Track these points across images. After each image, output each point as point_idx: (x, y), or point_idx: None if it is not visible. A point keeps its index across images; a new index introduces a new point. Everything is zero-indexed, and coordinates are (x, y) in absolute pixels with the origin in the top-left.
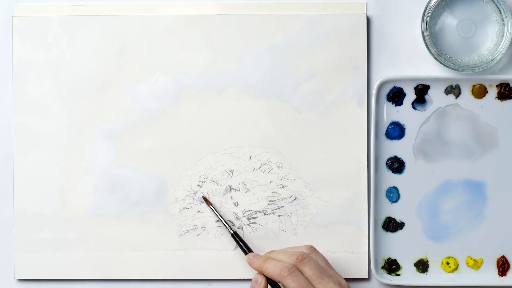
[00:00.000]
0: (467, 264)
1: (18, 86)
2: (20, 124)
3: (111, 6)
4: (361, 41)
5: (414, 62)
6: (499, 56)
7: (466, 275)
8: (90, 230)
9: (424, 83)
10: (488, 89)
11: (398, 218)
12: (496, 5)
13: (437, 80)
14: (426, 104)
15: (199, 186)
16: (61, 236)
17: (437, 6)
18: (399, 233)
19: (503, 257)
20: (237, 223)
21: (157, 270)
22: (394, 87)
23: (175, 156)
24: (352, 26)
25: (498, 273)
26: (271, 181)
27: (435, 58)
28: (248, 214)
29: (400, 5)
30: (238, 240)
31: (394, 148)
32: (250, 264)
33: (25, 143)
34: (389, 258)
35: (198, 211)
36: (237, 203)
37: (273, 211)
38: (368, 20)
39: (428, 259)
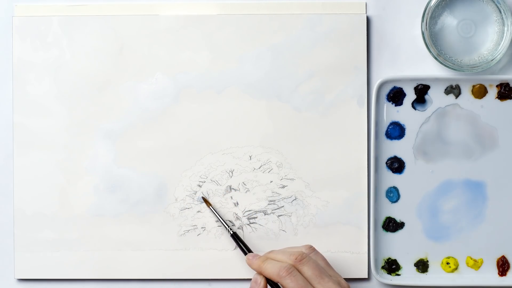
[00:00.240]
0: (467, 264)
1: (18, 86)
2: (20, 124)
3: (111, 6)
4: (361, 41)
5: (414, 62)
6: (499, 56)
7: (466, 275)
8: (90, 230)
9: (424, 83)
10: (488, 89)
11: (398, 218)
12: (496, 5)
13: (437, 80)
14: (426, 104)
15: (199, 186)
16: (61, 236)
17: (437, 6)
18: (399, 233)
19: (503, 257)
20: (237, 223)
21: (157, 270)
22: (394, 87)
23: (175, 156)
24: (352, 26)
25: (498, 273)
26: (271, 181)
27: (435, 58)
28: (248, 214)
29: (400, 5)
30: (238, 240)
31: (394, 148)
32: (249, 265)
33: (25, 143)
34: (389, 258)
35: (198, 211)
36: (237, 203)
37: (273, 211)
38: (368, 20)
39: (428, 259)
